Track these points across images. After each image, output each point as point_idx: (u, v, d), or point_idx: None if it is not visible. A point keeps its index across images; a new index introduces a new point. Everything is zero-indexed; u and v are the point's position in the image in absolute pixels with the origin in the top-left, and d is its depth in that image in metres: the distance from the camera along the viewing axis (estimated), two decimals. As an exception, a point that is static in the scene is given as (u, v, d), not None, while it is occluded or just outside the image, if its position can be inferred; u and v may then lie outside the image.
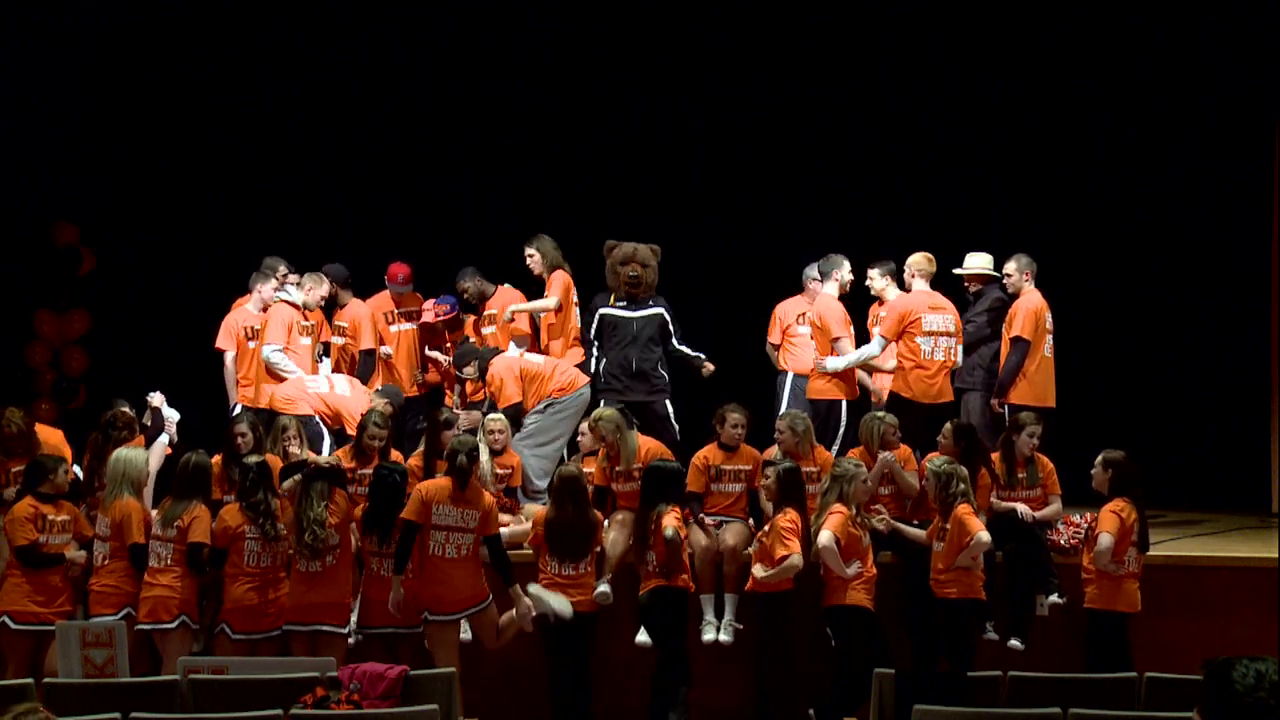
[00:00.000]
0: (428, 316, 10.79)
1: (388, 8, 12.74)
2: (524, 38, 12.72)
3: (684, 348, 10.26)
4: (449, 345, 10.97)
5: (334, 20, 12.76)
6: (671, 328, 10.22)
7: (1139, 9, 11.94)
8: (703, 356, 10.27)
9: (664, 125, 12.68)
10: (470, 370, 10.12)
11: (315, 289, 10.51)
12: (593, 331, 10.27)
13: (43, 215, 12.87)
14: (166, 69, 12.81)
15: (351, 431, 9.56)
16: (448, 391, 10.91)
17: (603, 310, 10.24)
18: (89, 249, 13.00)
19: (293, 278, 10.58)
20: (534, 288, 10.67)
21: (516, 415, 9.80)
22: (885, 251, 10.39)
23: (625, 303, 10.19)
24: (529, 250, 10.48)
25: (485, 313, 10.74)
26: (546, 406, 9.88)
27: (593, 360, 10.23)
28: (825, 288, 10.11)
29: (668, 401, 10.11)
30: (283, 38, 12.72)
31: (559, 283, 10.37)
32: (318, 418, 9.83)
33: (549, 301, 10.37)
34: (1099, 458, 8.70)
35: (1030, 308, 9.81)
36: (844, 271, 10.12)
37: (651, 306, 10.20)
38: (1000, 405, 9.83)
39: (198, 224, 12.88)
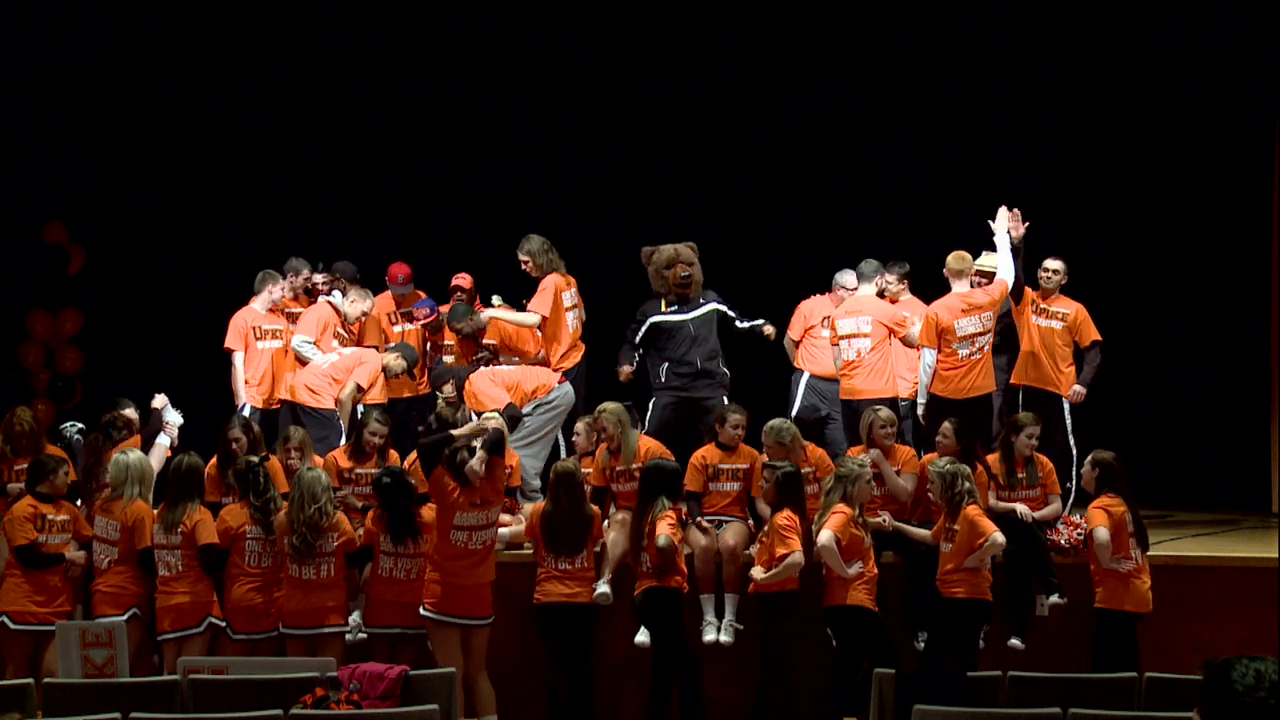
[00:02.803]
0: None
1: (385, 6, 12.74)
2: (528, 36, 12.70)
3: (743, 323, 10.14)
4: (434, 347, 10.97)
5: (328, 15, 12.74)
6: (731, 314, 10.10)
7: (1140, 9, 11.94)
8: (760, 321, 10.17)
9: (668, 123, 12.64)
10: (449, 389, 10.12)
11: (358, 303, 10.48)
12: (638, 338, 10.09)
13: (32, 214, 12.86)
14: (155, 65, 12.80)
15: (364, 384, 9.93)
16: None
17: (654, 319, 10.05)
18: (79, 247, 12.99)
19: (342, 284, 10.64)
20: (532, 289, 10.62)
21: (515, 417, 9.79)
22: (890, 252, 10.45)
23: (676, 306, 10.06)
24: (521, 255, 10.43)
25: (484, 341, 10.66)
26: (535, 407, 9.86)
27: (628, 365, 10.11)
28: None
29: (725, 399, 9.98)
30: (277, 32, 12.70)
31: (546, 293, 10.27)
32: (338, 413, 9.90)
33: (527, 317, 10.28)
34: (1088, 457, 8.77)
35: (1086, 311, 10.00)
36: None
37: (703, 304, 10.08)
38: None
39: (187, 220, 12.89)
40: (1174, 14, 11.86)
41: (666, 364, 10.00)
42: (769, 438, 9.09)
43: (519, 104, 12.72)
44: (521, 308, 10.63)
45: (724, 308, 10.13)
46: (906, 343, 10.06)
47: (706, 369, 9.97)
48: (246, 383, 10.41)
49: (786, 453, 8.99)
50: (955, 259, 9.87)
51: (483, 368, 10.18)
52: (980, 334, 9.68)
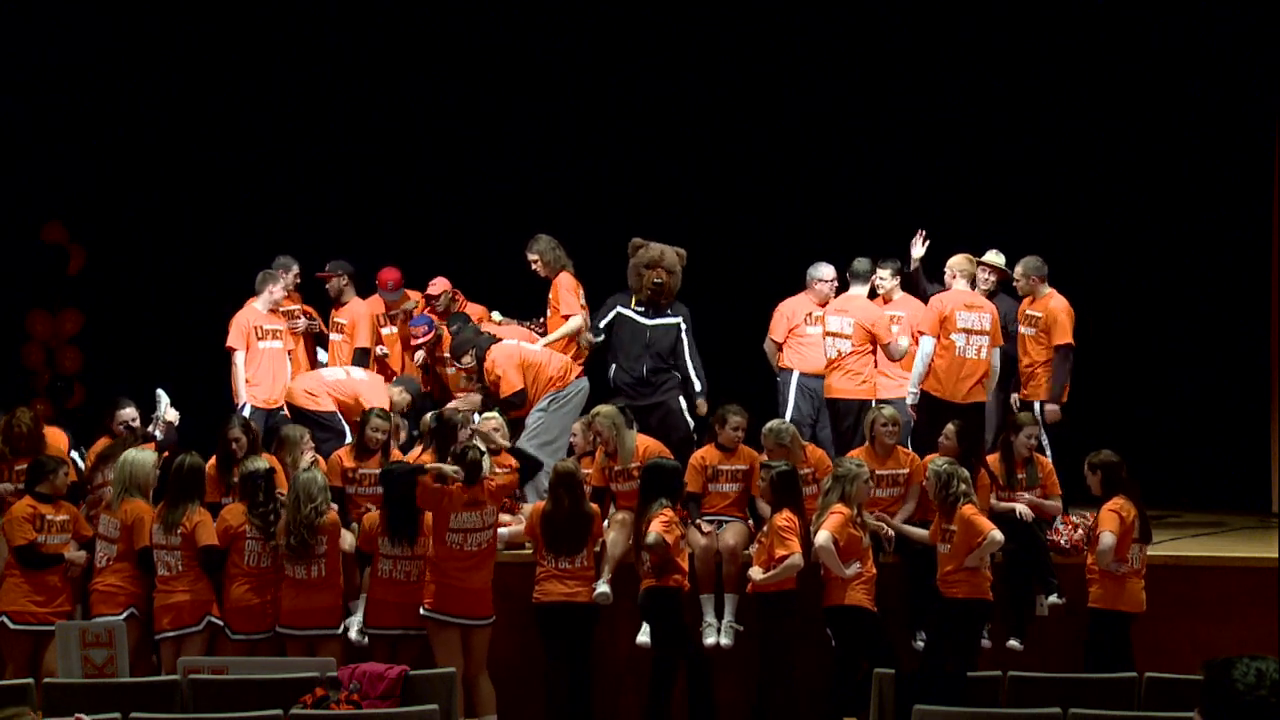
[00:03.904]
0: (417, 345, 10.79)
1: (385, 6, 12.73)
2: (528, 36, 12.69)
3: (692, 368, 10.08)
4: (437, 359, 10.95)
5: (328, 15, 12.74)
6: (686, 341, 10.07)
7: (1140, 9, 11.94)
8: (700, 391, 10.07)
9: (668, 123, 12.63)
10: (468, 359, 10.06)
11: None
12: (603, 324, 10.15)
13: (32, 214, 12.86)
14: (155, 65, 12.79)
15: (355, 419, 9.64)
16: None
17: (620, 309, 10.12)
18: (79, 247, 12.99)
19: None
20: (539, 287, 10.62)
21: (521, 402, 9.75)
22: (890, 252, 10.43)
23: (644, 308, 10.09)
24: (530, 255, 10.43)
25: None
26: (550, 402, 9.83)
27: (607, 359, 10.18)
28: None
29: (681, 397, 10.01)
30: (277, 32, 12.69)
31: (568, 293, 10.28)
32: (340, 414, 9.85)
33: (570, 324, 10.25)
34: (1086, 461, 8.72)
35: (1068, 311, 9.88)
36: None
37: (670, 315, 10.09)
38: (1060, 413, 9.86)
39: (187, 220, 12.88)
40: (1174, 14, 11.86)
41: (615, 364, 10.07)
42: (769, 439, 9.08)
43: (519, 104, 12.72)
44: (525, 312, 10.62)
45: (684, 328, 10.09)
46: (890, 356, 9.96)
47: (651, 379, 9.97)
48: (248, 382, 10.41)
49: (786, 454, 8.98)
50: (963, 261, 9.85)
51: (507, 341, 10.10)
52: (978, 332, 9.65)
